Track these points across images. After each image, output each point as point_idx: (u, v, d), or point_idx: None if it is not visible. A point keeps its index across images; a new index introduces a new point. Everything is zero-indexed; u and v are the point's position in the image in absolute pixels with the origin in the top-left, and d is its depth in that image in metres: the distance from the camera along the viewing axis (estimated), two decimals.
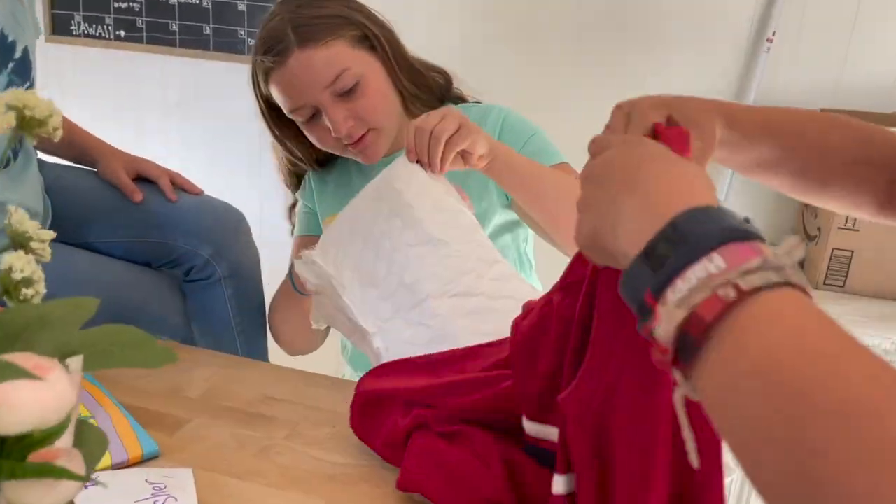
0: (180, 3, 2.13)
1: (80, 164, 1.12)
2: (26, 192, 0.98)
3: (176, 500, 0.69)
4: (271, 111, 1.09)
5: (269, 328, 1.15)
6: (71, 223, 1.05)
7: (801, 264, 1.66)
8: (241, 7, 2.07)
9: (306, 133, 1.07)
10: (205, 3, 2.11)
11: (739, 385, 0.34)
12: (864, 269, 1.52)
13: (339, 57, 1.00)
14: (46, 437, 0.34)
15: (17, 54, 0.99)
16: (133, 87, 2.25)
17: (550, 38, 1.83)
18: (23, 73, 0.97)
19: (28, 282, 0.37)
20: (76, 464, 0.37)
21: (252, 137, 2.13)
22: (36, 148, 1.12)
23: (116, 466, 0.73)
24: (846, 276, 1.54)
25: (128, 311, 1.02)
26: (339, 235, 0.86)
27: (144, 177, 1.09)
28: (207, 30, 2.13)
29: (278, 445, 0.79)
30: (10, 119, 0.34)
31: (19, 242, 0.39)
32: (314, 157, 1.16)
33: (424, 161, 0.86)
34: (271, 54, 1.00)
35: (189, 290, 1.10)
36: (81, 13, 2.24)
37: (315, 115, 1.03)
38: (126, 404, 0.83)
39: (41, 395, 0.32)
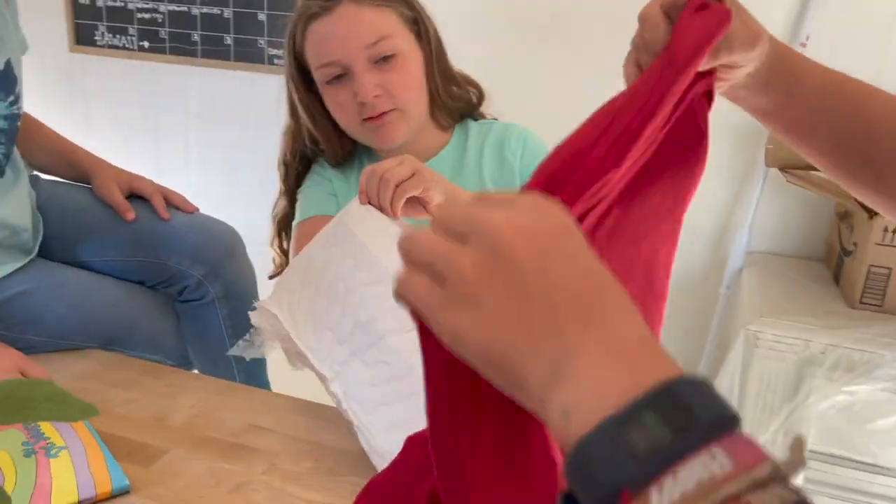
0: (202, 14, 2.14)
1: (77, 181, 1.10)
2: (14, 207, 0.96)
3: None
4: (301, 76, 1.03)
5: None
6: (64, 241, 1.03)
7: (836, 279, 1.58)
8: (261, 17, 2.06)
9: (327, 98, 1.01)
10: (226, 14, 2.11)
11: None
12: None
13: (387, 23, 0.96)
14: None
15: (0, 67, 0.97)
16: (155, 96, 2.26)
17: (573, 47, 1.78)
18: (5, 87, 0.95)
19: None
20: None
21: (271, 146, 2.11)
22: (33, 166, 1.11)
23: (83, 502, 0.70)
24: (884, 295, 1.45)
25: (119, 330, 0.99)
26: (291, 283, 0.83)
27: (138, 193, 1.06)
28: (228, 40, 2.13)
29: (255, 481, 0.75)
30: None
31: None
32: (337, 146, 1.07)
33: (375, 203, 0.82)
34: (321, 0, 0.96)
35: (182, 310, 1.07)
36: (105, 24, 2.26)
37: (341, 78, 0.97)
38: (106, 433, 0.80)
39: None
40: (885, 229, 1.42)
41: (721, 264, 1.77)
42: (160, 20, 2.20)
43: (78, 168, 1.08)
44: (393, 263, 0.79)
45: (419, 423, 0.62)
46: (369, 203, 0.83)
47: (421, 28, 1.00)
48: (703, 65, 0.52)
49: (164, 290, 1.07)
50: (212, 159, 2.21)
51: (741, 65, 0.56)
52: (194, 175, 2.19)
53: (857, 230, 1.49)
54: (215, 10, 2.12)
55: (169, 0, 2.16)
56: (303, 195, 1.08)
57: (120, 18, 2.24)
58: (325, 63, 0.97)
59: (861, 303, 1.46)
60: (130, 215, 1.03)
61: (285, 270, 0.87)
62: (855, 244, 1.50)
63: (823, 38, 1.61)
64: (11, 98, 0.98)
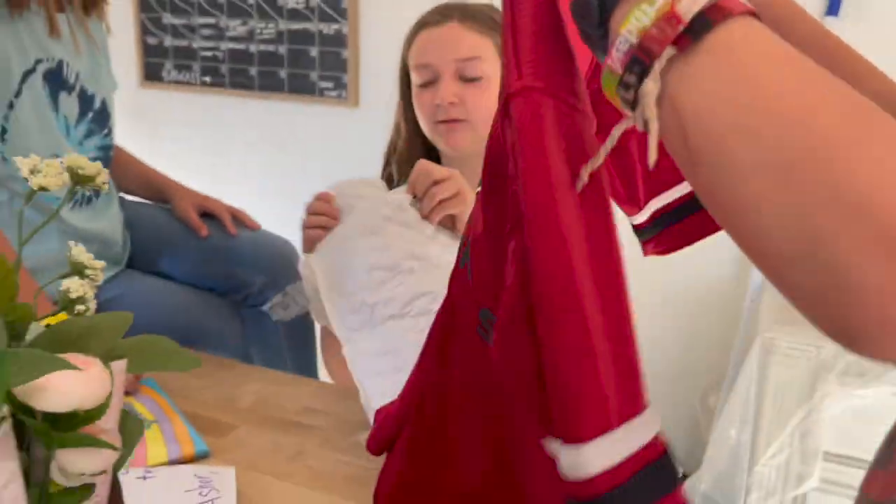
0: (259, 51, 2.32)
1: (158, 202, 1.27)
2: (107, 224, 1.13)
3: (218, 492, 0.79)
4: (405, 77, 1.18)
5: (325, 365, 1.22)
6: (147, 253, 1.20)
7: None
8: (313, 53, 2.23)
9: (414, 98, 1.15)
10: (280, 51, 2.28)
11: (737, 96, 0.30)
12: None
13: (482, 48, 1.10)
14: (89, 416, 0.45)
15: (97, 105, 1.15)
16: (216, 126, 2.45)
17: None
18: (101, 122, 1.13)
19: (81, 300, 0.49)
20: (115, 440, 0.48)
21: (321, 170, 2.28)
22: (121, 190, 1.29)
23: (172, 462, 0.85)
24: None
25: (191, 330, 1.15)
26: (331, 244, 0.93)
27: (210, 213, 1.23)
28: (283, 74, 2.30)
29: (311, 451, 0.89)
30: (66, 178, 0.45)
31: (76, 270, 0.50)
32: (408, 158, 1.20)
33: (417, 204, 0.94)
34: (436, 14, 1.12)
35: (246, 315, 1.23)
36: (172, 61, 2.46)
37: (430, 83, 1.11)
38: (185, 411, 0.95)
39: (82, 383, 0.43)
40: None
41: (744, 281, 1.86)
42: (221, 57, 2.39)
43: (159, 191, 1.26)
44: (404, 259, 0.92)
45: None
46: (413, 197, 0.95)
47: None
48: None
49: (232, 297, 1.23)
50: (268, 183, 2.38)
51: None
52: (253, 197, 2.37)
53: None
54: (271, 48, 2.30)
55: (229, 39, 2.36)
56: None
57: (185, 56, 2.44)
58: (421, 64, 1.12)
59: None
60: (203, 232, 1.19)
61: (334, 230, 0.97)
62: None
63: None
64: (105, 131, 1.16)
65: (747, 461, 1.55)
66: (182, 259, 1.20)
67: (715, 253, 1.89)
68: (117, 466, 0.52)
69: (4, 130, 1.02)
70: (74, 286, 0.48)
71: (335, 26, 2.18)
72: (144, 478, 0.81)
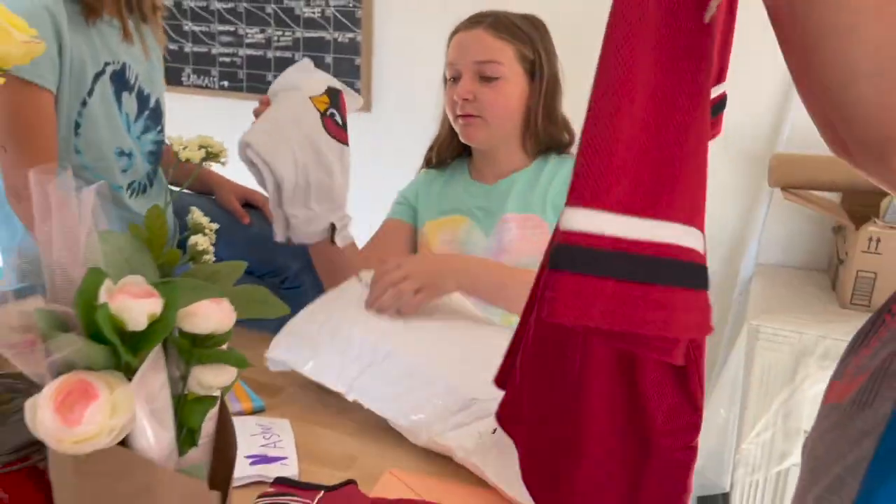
0: (275, 58, 2.45)
1: (203, 193, 1.40)
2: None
3: (279, 436, 0.92)
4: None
5: None
6: None
7: (833, 285, 1.80)
8: (328, 60, 2.36)
9: (445, 94, 1.30)
10: (297, 58, 2.41)
11: None
12: (887, 289, 1.65)
13: (501, 53, 1.23)
14: (220, 339, 0.57)
15: (152, 104, 1.27)
16: (233, 129, 2.57)
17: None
18: (156, 119, 1.26)
19: (205, 252, 0.61)
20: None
21: None
22: (168, 181, 1.41)
23: (235, 415, 0.97)
24: (871, 297, 1.67)
25: None
26: (310, 328, 1.07)
27: (251, 203, 1.36)
28: None
29: (353, 407, 1.01)
30: (201, 153, 0.58)
31: (198, 230, 0.63)
32: (453, 147, 1.35)
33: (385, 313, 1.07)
34: (469, 20, 1.26)
35: (283, 296, 1.35)
36: (191, 66, 2.59)
37: (454, 80, 1.26)
38: (241, 375, 1.07)
39: (218, 312, 0.56)
40: (870, 239, 1.64)
41: (734, 274, 2.00)
42: (239, 63, 2.52)
43: (205, 183, 1.38)
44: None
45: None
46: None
47: (536, 69, 1.26)
48: None
49: (270, 280, 1.35)
50: None
51: None
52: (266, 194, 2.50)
53: (848, 240, 1.71)
54: (287, 54, 2.43)
55: (247, 45, 2.49)
56: (399, 194, 1.38)
57: (204, 62, 2.56)
58: (449, 62, 1.27)
59: (851, 303, 1.68)
60: (246, 220, 1.32)
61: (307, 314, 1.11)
62: (846, 253, 1.72)
63: None
64: (159, 128, 1.28)
65: (735, 439, 1.68)
66: (225, 245, 1.31)
67: (708, 251, 2.02)
68: (224, 389, 0.65)
69: (78, 125, 1.14)
70: (200, 241, 0.61)
71: (349, 35, 2.31)
72: None
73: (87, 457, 0.48)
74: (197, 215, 0.63)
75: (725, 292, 2.00)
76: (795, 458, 1.65)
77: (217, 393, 0.60)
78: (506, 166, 1.28)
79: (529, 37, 1.25)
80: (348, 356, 1.00)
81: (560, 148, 1.33)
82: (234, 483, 0.82)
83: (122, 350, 0.47)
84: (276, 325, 1.33)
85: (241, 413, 0.98)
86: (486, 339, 1.03)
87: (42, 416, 0.45)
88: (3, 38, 0.77)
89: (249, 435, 0.91)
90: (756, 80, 1.90)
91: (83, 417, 0.45)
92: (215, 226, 0.63)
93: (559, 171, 1.29)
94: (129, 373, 0.51)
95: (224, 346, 0.60)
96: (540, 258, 1.19)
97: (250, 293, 0.67)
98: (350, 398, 0.97)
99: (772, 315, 1.63)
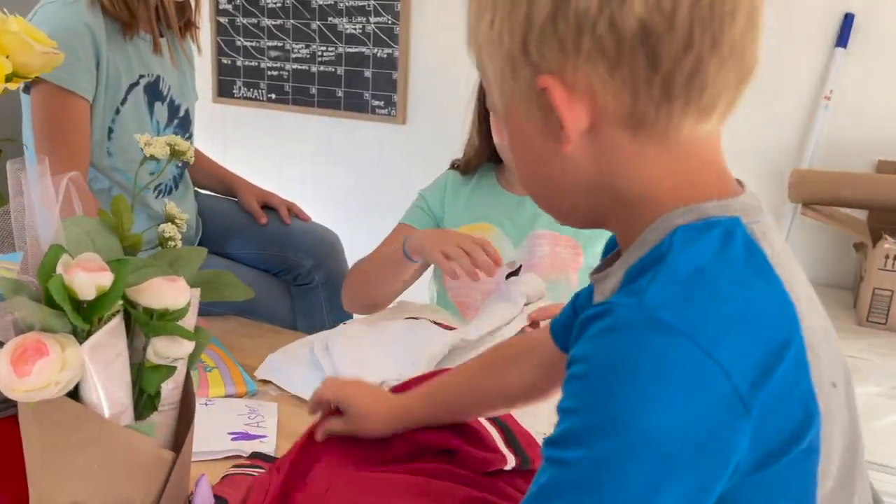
0: (319, 72, 2.56)
1: (226, 195, 1.50)
2: (183, 210, 1.36)
3: (263, 417, 1.00)
4: (483, 96, 1.34)
5: (352, 282, 1.31)
6: (216, 238, 1.43)
7: (855, 303, 1.77)
8: (367, 74, 2.46)
9: (492, 117, 1.31)
10: (338, 72, 2.52)
11: None
12: None
13: None
14: (176, 314, 0.65)
15: (181, 113, 1.38)
16: (280, 138, 2.70)
17: None
18: (184, 127, 1.36)
19: (171, 238, 0.69)
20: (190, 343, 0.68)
21: (372, 179, 2.51)
22: (195, 184, 1.52)
23: (228, 396, 1.06)
24: (888, 314, 1.64)
25: (250, 303, 1.36)
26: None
27: (269, 205, 1.45)
28: (340, 93, 2.53)
29: None
30: (167, 150, 0.67)
31: (169, 219, 0.71)
32: (483, 153, 1.36)
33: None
34: None
35: (295, 292, 1.44)
36: (242, 80, 2.73)
37: None
38: (243, 362, 1.16)
39: (173, 289, 0.63)
40: (887, 256, 1.62)
41: None
42: (286, 76, 2.64)
43: (227, 186, 1.49)
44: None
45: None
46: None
47: None
48: None
49: (283, 276, 1.45)
50: (324, 190, 2.62)
51: None
52: (310, 202, 2.61)
53: (868, 258, 1.69)
54: (330, 69, 2.54)
55: (294, 60, 2.61)
56: (420, 196, 1.40)
57: (254, 75, 2.70)
58: None
59: (868, 321, 1.66)
60: (263, 220, 1.42)
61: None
62: (866, 270, 1.70)
63: (846, 92, 1.83)
64: (187, 135, 1.39)
65: None
66: (244, 242, 1.42)
67: None
68: (191, 362, 0.72)
69: (111, 131, 1.26)
70: (168, 229, 0.70)
71: (388, 50, 2.40)
72: (206, 405, 1.02)
73: (42, 406, 0.56)
74: (170, 207, 0.71)
75: None
76: None
77: (175, 364, 0.68)
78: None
79: None
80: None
81: None
82: (213, 455, 0.90)
83: (71, 315, 0.55)
84: (285, 319, 1.42)
85: (234, 395, 1.06)
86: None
87: (0, 367, 0.54)
88: (25, 49, 0.88)
89: (236, 415, 0.99)
90: (780, 96, 1.90)
91: (33, 370, 0.53)
92: (185, 216, 0.71)
93: None
94: (87, 338, 0.59)
95: (187, 323, 0.68)
96: (567, 278, 1.24)
97: (217, 277, 0.75)
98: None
99: None
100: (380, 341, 1.13)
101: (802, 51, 1.86)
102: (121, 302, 0.63)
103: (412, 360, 1.07)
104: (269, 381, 1.12)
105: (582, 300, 0.69)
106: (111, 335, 0.61)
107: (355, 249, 1.52)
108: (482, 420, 0.83)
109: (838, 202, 1.76)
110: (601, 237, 1.17)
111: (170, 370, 0.67)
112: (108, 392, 0.60)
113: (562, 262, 1.26)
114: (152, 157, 0.65)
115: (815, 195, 1.75)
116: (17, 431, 0.69)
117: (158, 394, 0.68)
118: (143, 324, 0.65)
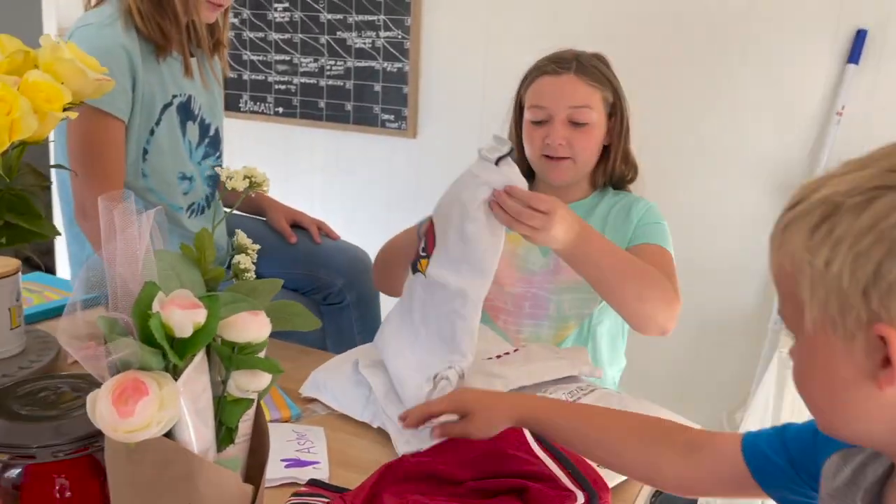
0: (328, 86, 2.56)
1: (255, 215, 1.50)
2: (216, 231, 1.36)
3: (312, 442, 0.99)
4: (518, 109, 1.37)
5: (376, 262, 1.32)
6: None
7: None
8: (377, 88, 2.46)
9: (526, 130, 1.33)
10: (347, 86, 2.52)
11: None
12: None
13: (592, 99, 1.29)
14: (256, 348, 0.65)
15: (211, 132, 1.38)
16: (288, 152, 2.69)
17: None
18: (215, 146, 1.36)
19: (246, 270, 0.69)
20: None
21: (382, 192, 2.51)
22: (224, 204, 1.52)
23: (273, 421, 1.05)
24: None
25: None
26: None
27: (299, 224, 1.45)
28: (349, 107, 2.53)
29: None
30: (244, 183, 0.66)
31: (241, 249, 0.71)
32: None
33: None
34: (554, 64, 1.31)
35: (326, 312, 1.44)
36: (248, 93, 2.72)
37: (543, 122, 1.30)
38: (282, 385, 1.15)
39: (256, 323, 0.63)
40: None
41: (769, 304, 2.01)
42: (293, 90, 2.64)
43: (257, 205, 1.48)
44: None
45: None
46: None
47: (616, 112, 1.33)
48: None
49: (313, 296, 1.44)
50: (332, 203, 2.61)
51: None
52: (317, 215, 2.61)
53: None
54: (339, 83, 2.54)
55: (301, 74, 2.61)
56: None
57: (261, 89, 2.69)
58: (536, 105, 1.31)
59: None
60: (293, 240, 1.41)
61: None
62: None
63: (858, 108, 1.85)
64: (217, 154, 1.39)
65: None
66: (274, 262, 1.41)
67: (742, 286, 2.04)
68: (261, 393, 0.72)
69: (146, 152, 1.25)
70: (243, 260, 0.69)
71: (398, 65, 2.41)
72: None
73: (138, 445, 0.56)
74: (241, 237, 0.71)
75: (760, 322, 2.01)
76: None
77: (253, 396, 0.68)
78: (567, 195, 1.31)
79: (609, 80, 1.31)
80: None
81: (619, 183, 1.39)
82: (269, 483, 0.90)
83: (170, 353, 0.55)
84: (315, 340, 1.41)
85: (279, 420, 1.06)
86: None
87: (101, 407, 0.53)
88: (79, 76, 0.87)
89: (285, 440, 0.99)
90: (792, 112, 1.92)
91: (136, 410, 0.53)
92: (257, 247, 0.71)
93: (614, 206, 1.35)
94: (176, 374, 0.59)
95: (262, 354, 0.68)
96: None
97: (286, 308, 0.75)
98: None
99: None
100: (410, 341, 1.11)
101: (815, 67, 1.88)
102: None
103: (447, 347, 1.05)
104: (312, 400, 1.12)
105: (797, 442, 0.70)
106: (197, 371, 0.61)
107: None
108: (543, 456, 0.84)
109: None
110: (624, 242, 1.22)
111: (249, 402, 0.67)
112: (197, 428, 0.60)
113: None
114: (234, 190, 0.65)
115: None
116: (88, 473, 0.69)
117: (237, 427, 0.67)
118: (225, 357, 0.65)
